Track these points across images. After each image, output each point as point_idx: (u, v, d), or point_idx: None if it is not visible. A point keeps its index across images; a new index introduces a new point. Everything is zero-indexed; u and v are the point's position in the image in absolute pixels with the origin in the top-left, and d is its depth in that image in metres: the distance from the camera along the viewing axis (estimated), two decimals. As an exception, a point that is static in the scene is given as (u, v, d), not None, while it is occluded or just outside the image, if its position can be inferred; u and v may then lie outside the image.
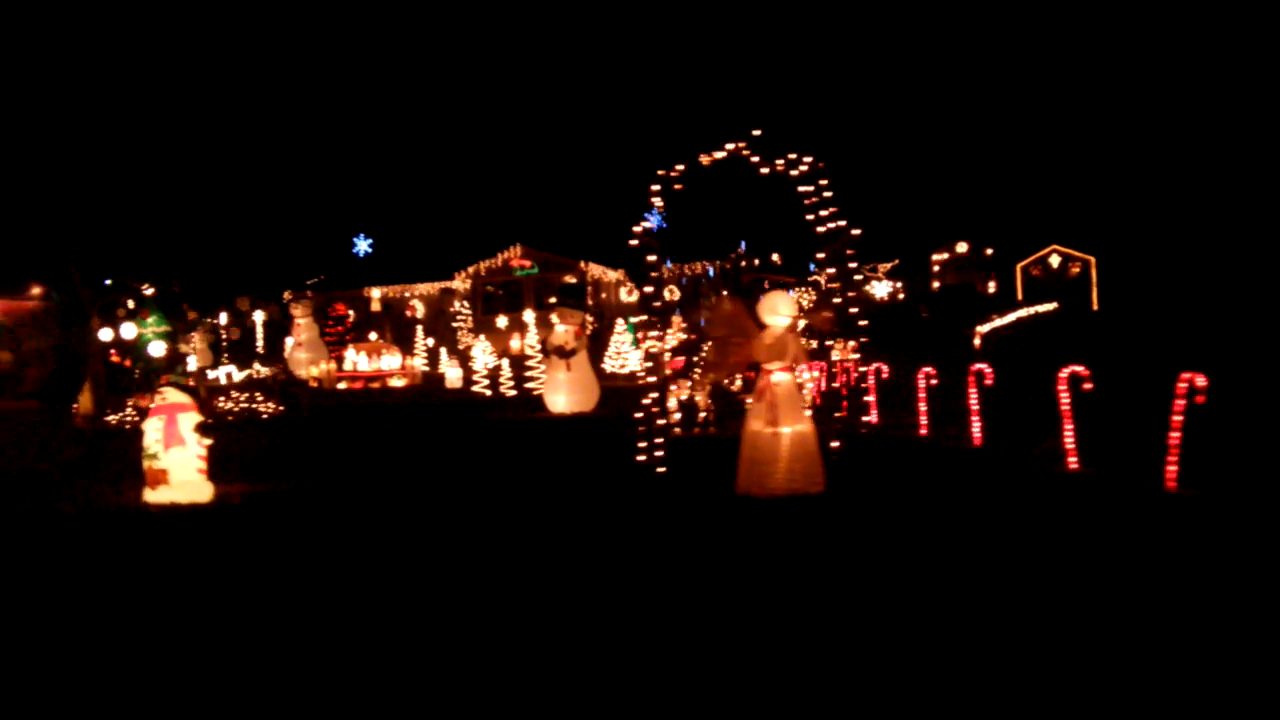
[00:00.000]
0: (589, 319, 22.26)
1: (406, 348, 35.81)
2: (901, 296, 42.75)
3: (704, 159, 9.32)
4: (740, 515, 7.82)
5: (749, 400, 15.76)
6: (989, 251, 46.26)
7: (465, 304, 43.88)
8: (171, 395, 9.33)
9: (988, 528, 7.20)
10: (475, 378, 28.40)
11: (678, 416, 13.48)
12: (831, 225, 9.24)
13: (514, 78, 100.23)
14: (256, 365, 28.49)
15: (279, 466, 11.95)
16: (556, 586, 5.92)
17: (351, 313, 39.74)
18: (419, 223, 59.64)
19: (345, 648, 4.92)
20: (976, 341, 30.98)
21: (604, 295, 42.66)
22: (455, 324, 42.33)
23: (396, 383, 30.24)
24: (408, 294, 46.90)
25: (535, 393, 24.65)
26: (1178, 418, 8.15)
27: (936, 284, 45.24)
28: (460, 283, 44.94)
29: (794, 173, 9.31)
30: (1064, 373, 9.60)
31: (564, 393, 19.72)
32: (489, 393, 26.82)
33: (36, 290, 11.38)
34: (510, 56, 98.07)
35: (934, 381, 13.59)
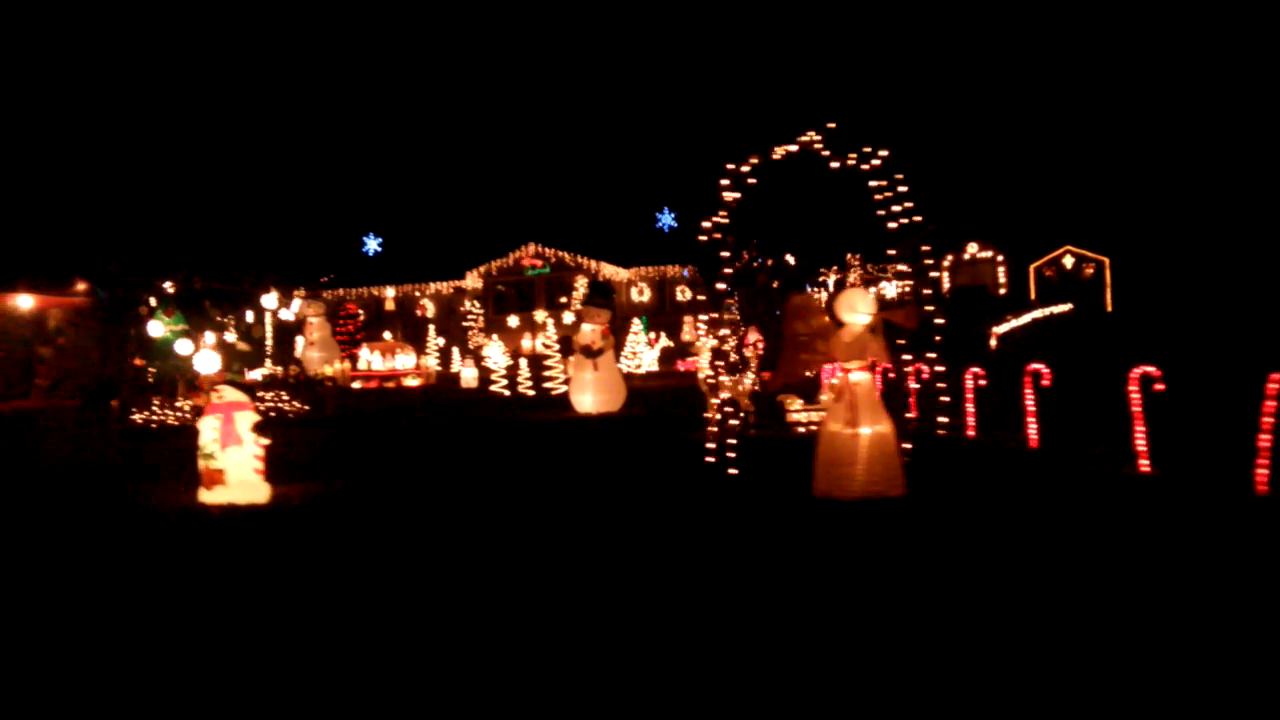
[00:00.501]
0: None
1: (418, 347, 35.59)
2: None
3: (777, 151, 9.10)
4: (829, 519, 7.58)
5: (785, 399, 15.66)
6: (992, 253, 46.09)
7: (477, 303, 43.62)
8: (228, 394, 9.09)
9: (1085, 536, 6.99)
10: (492, 377, 28.19)
11: (718, 417, 13.32)
12: (904, 220, 9.01)
13: (525, 76, 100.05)
14: (269, 364, 28.27)
15: (323, 465, 11.74)
16: (654, 592, 5.69)
17: (361, 312, 39.51)
18: (430, 222, 59.34)
19: (427, 651, 4.70)
20: (993, 342, 30.80)
21: (616, 295, 42.52)
22: (466, 323, 42.09)
23: (411, 382, 29.99)
24: (418, 293, 46.65)
25: (554, 393, 24.43)
26: (1268, 419, 7.96)
27: (948, 285, 45.07)
28: (472, 282, 44.74)
29: (865, 166, 9.09)
30: (1135, 373, 9.40)
31: (591, 393, 19.49)
32: (507, 393, 26.60)
33: (81, 286, 11.13)
34: (522, 55, 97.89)
35: (982, 382, 13.42)
